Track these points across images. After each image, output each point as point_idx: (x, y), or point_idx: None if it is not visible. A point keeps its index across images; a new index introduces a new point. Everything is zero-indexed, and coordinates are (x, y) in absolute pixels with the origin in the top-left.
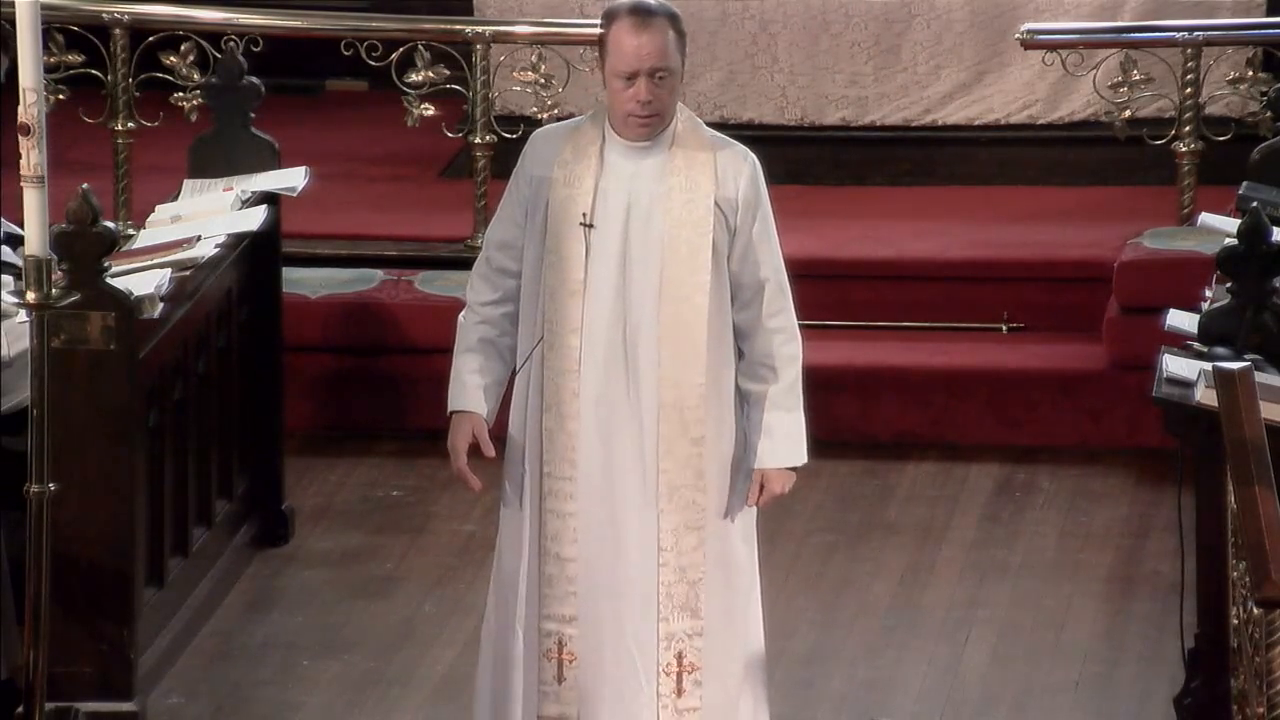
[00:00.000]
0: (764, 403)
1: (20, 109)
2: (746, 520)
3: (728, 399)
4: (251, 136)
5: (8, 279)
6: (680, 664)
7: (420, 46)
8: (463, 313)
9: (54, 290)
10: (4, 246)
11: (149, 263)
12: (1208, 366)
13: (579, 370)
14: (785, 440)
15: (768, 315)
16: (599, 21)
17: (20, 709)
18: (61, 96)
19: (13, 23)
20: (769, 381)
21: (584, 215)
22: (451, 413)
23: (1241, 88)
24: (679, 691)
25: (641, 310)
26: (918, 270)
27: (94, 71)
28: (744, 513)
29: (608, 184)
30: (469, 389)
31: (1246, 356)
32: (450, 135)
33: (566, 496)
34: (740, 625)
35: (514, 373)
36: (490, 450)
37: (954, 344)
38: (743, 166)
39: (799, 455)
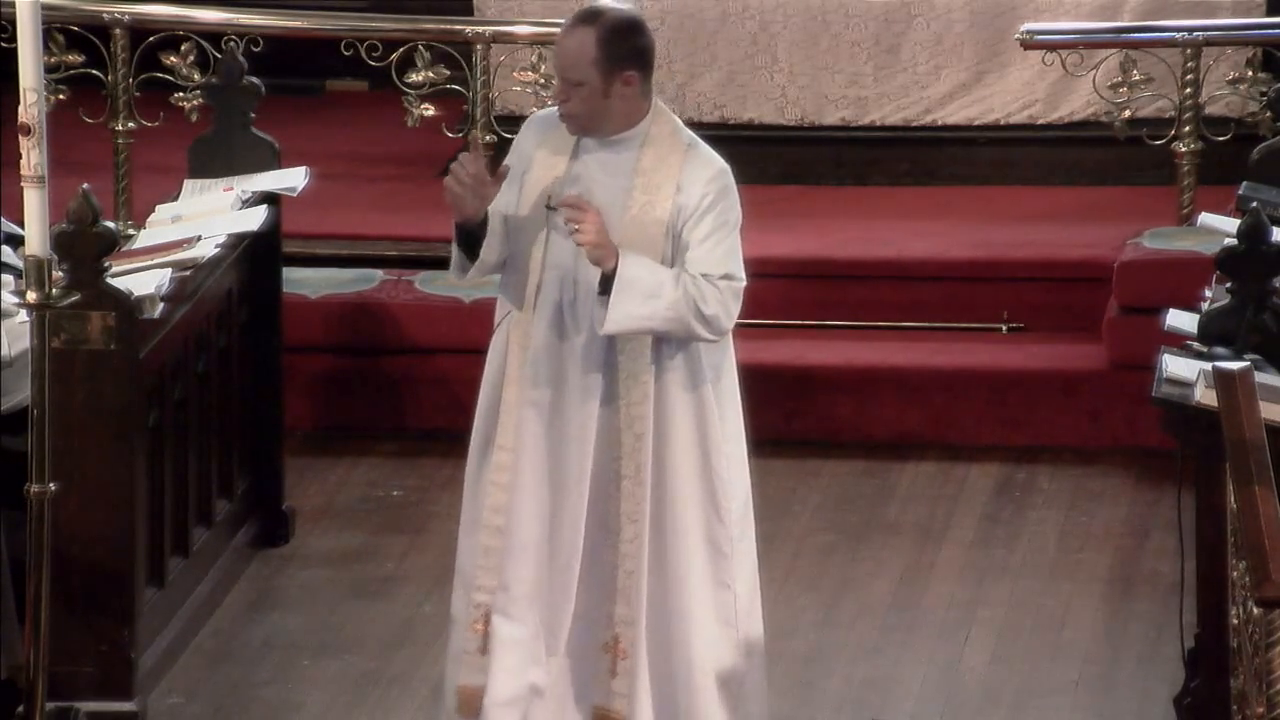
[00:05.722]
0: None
1: (20, 109)
2: (723, 533)
3: (685, 402)
4: (251, 136)
5: (8, 279)
6: (617, 646)
7: (420, 46)
8: None
9: (54, 290)
10: (4, 246)
11: (149, 263)
12: (1207, 366)
13: (531, 347)
14: (643, 275)
15: (709, 275)
16: None
17: (20, 709)
18: (61, 96)
19: (13, 23)
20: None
21: (549, 198)
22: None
23: (1241, 88)
24: (613, 672)
25: (592, 299)
26: (918, 270)
27: (94, 71)
28: (721, 526)
29: (577, 173)
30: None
31: (1246, 356)
32: (450, 135)
33: (508, 469)
34: (686, 629)
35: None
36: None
37: (954, 344)
38: (705, 174)
39: (623, 301)
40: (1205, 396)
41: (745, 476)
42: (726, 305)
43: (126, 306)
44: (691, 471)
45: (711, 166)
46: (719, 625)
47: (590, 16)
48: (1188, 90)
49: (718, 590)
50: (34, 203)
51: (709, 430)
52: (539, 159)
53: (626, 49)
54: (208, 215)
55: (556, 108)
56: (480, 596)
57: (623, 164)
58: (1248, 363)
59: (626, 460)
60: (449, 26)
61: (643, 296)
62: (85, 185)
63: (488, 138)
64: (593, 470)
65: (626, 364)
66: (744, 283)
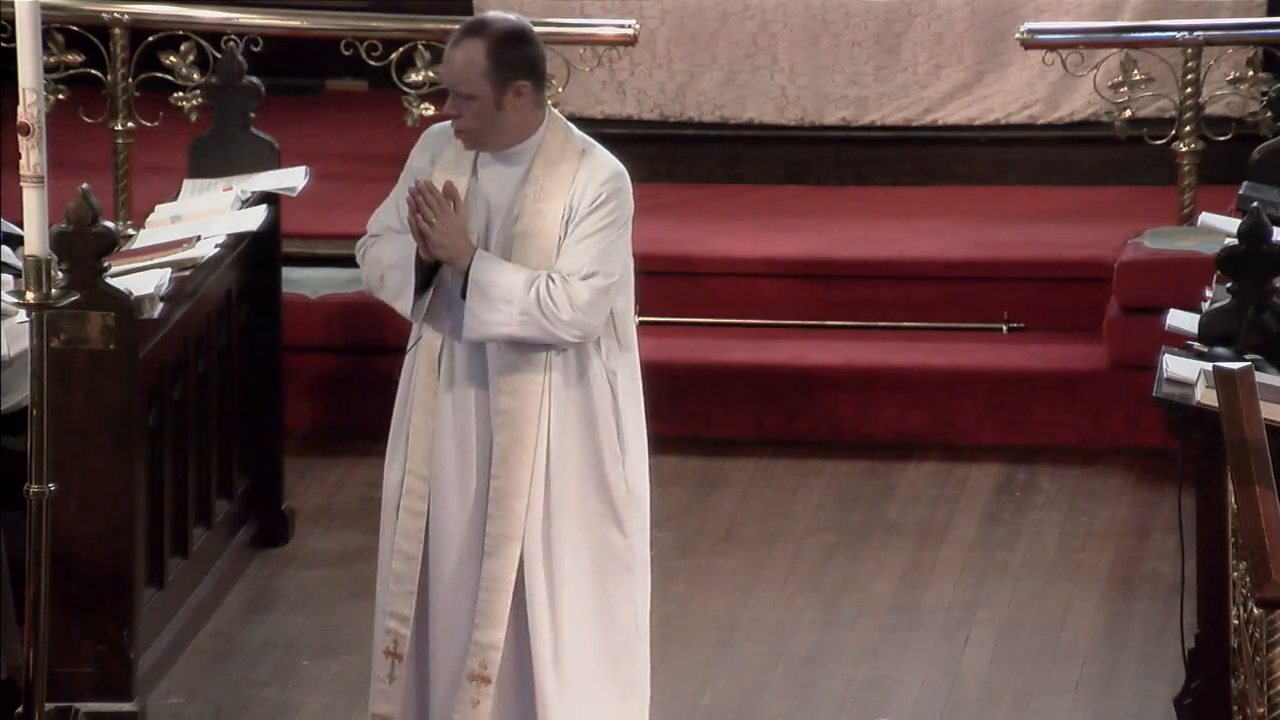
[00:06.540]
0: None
1: (20, 109)
2: (614, 542)
3: (577, 413)
4: (251, 136)
5: (8, 279)
6: (483, 673)
7: (420, 46)
8: (365, 248)
9: (54, 290)
10: (4, 246)
11: (149, 263)
12: (1208, 366)
13: (439, 370)
14: (494, 280)
15: (573, 274)
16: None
17: (20, 709)
18: (61, 96)
19: (12, 22)
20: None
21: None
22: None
23: (1242, 87)
24: (475, 701)
25: (459, 306)
26: (918, 270)
27: (94, 71)
28: (620, 537)
29: (477, 188)
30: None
31: (1247, 356)
32: None
33: (420, 495)
34: (555, 644)
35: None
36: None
37: (954, 344)
38: (600, 176)
39: (480, 305)
40: (1206, 396)
41: (646, 481)
42: (594, 304)
43: (126, 306)
44: (587, 484)
45: (607, 169)
46: (610, 657)
47: (477, 28)
48: (1188, 90)
49: (620, 605)
50: (33, 203)
51: (602, 438)
52: (439, 177)
53: (516, 58)
54: (207, 215)
55: (448, 122)
56: (391, 623)
57: (517, 175)
58: (1248, 363)
59: (510, 476)
60: (449, 26)
61: (494, 301)
62: (85, 185)
63: None
64: (476, 489)
65: (510, 379)
66: (613, 279)
